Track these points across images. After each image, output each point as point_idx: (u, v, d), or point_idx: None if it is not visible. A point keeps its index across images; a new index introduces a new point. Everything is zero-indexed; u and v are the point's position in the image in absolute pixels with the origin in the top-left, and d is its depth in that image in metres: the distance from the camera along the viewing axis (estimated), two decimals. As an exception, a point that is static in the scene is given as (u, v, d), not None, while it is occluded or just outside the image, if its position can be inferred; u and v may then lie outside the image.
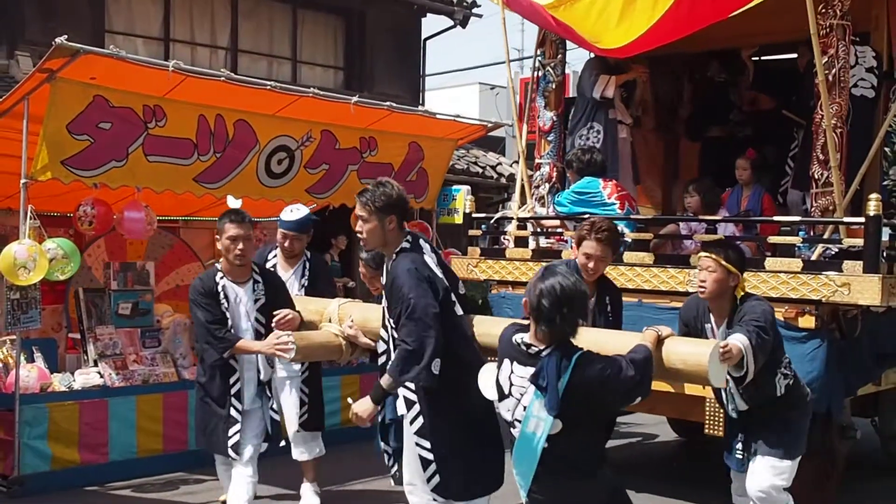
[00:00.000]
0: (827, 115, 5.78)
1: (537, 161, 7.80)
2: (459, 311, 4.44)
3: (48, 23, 10.53)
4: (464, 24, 15.15)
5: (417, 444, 4.39)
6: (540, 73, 7.75)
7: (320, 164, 8.03)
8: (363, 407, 4.41)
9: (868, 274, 5.38)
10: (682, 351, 4.02)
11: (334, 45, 14.19)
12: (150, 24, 12.12)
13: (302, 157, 7.84)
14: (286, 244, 6.23)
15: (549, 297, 3.63)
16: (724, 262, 4.60)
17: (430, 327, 4.19)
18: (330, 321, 5.16)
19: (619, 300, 5.16)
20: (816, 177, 6.01)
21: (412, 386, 4.33)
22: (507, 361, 3.78)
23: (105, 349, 7.23)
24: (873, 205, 5.45)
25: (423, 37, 15.48)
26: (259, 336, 5.33)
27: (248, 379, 5.40)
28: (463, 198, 12.59)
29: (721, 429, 5.90)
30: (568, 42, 7.50)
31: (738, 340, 4.37)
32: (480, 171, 13.96)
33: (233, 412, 5.31)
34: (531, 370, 3.63)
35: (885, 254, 5.66)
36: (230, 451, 5.31)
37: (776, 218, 6.41)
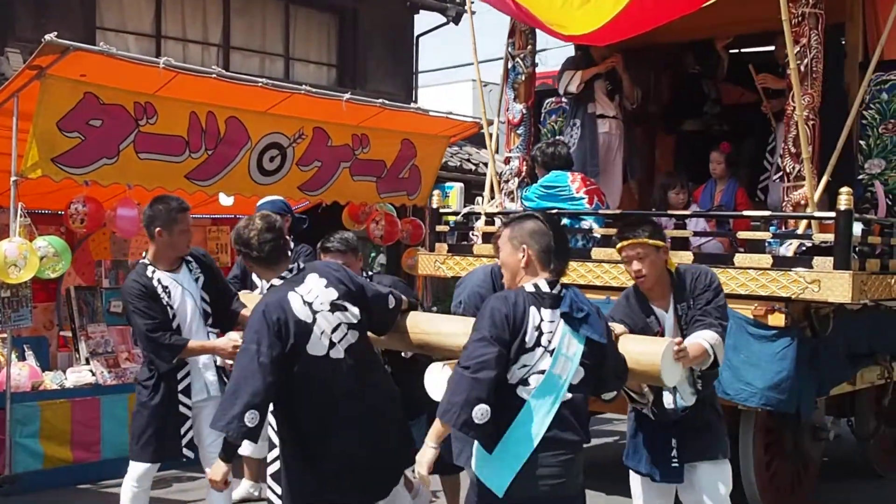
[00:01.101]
0: (799, 106, 5.62)
1: (506, 155, 7.59)
2: (338, 353, 4.02)
3: (39, 19, 10.46)
4: (457, 20, 15.12)
5: (269, 487, 4.27)
6: (510, 65, 7.51)
7: (312, 161, 8.02)
8: (215, 471, 4.01)
9: (838, 270, 5.24)
10: (635, 350, 3.87)
11: (327, 42, 14.15)
12: (141, 20, 12.07)
13: (294, 155, 7.83)
14: None
15: (555, 227, 3.62)
16: (650, 242, 4.22)
17: (249, 377, 3.87)
18: None
19: None
20: (788, 170, 5.87)
21: (275, 426, 4.06)
22: (533, 310, 3.51)
23: (97, 347, 7.22)
24: (844, 199, 5.30)
25: (416, 34, 15.46)
26: (207, 317, 5.10)
27: (203, 366, 5.09)
28: (456, 195, 12.66)
29: None
30: (540, 33, 7.15)
31: (705, 339, 4.09)
32: (473, 168, 13.94)
33: (181, 409, 5.00)
34: (558, 310, 3.51)
35: (857, 249, 5.50)
36: (186, 452, 5.01)
37: (745, 213, 6.28)
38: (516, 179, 7.42)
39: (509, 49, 7.52)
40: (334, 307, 4.04)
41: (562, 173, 6.66)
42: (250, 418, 3.80)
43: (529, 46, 7.45)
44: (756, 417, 5.84)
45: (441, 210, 7.43)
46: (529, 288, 3.56)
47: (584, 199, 6.54)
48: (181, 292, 5.03)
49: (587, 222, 6.57)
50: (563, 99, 8.02)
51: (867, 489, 7.07)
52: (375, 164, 8.56)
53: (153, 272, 5.00)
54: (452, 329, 4.18)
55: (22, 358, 6.98)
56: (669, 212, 6.64)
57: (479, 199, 8.32)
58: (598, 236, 6.37)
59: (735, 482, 5.83)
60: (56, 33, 5.98)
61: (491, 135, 7.49)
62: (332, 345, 4.01)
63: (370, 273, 5.49)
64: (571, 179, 6.62)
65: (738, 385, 5.47)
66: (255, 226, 4.10)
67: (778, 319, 5.43)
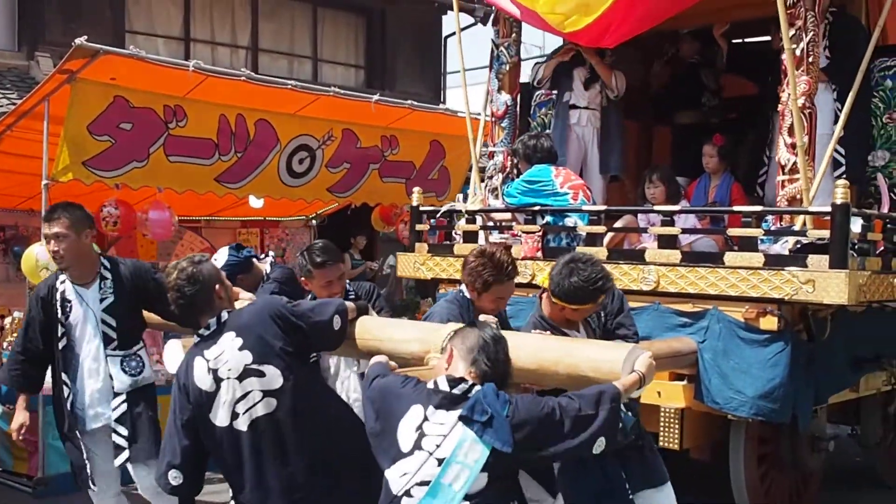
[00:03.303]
0: (793, 92, 5.23)
1: (490, 149, 7.04)
2: (240, 425, 3.66)
3: (68, 24, 10.57)
4: (485, 21, 15.04)
5: None
6: (494, 54, 7.06)
7: (342, 162, 8.01)
8: None
9: (834, 269, 4.79)
10: (594, 357, 3.44)
11: (355, 43, 14.17)
12: (170, 23, 12.15)
13: (323, 157, 7.82)
14: None
15: (495, 339, 3.29)
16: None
17: (170, 437, 3.80)
18: None
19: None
20: (783, 162, 5.47)
21: None
22: (415, 409, 3.15)
23: (127, 350, 7.20)
24: (840, 192, 4.84)
25: (444, 34, 15.44)
26: (110, 341, 4.71)
27: (96, 391, 4.74)
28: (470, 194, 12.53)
29: (676, 440, 5.28)
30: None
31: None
32: (502, 168, 13.91)
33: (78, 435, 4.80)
34: (456, 412, 3.07)
35: (856, 247, 5.07)
36: (90, 483, 4.76)
37: (735, 208, 5.83)
38: (500, 175, 6.98)
39: (493, 38, 7.12)
40: (246, 373, 3.64)
41: (545, 167, 6.21)
42: (173, 476, 3.79)
43: (514, 35, 7.03)
44: (748, 428, 5.44)
45: (421, 208, 6.81)
46: (430, 384, 3.20)
47: (568, 194, 6.09)
48: (83, 311, 4.70)
49: (571, 219, 6.12)
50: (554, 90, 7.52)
51: (874, 501, 6.69)
52: (405, 165, 8.54)
53: (63, 281, 4.73)
54: (404, 335, 3.92)
55: (53, 361, 6.99)
56: (656, 207, 6.18)
57: (459, 196, 7.95)
58: (583, 234, 5.94)
59: (727, 497, 5.59)
60: (86, 37, 6.00)
61: (476, 132, 7.01)
62: (234, 415, 3.67)
63: (348, 283, 5.07)
64: (555, 174, 6.17)
65: (727, 393, 5.10)
66: (171, 278, 3.76)
67: (770, 322, 5.02)
